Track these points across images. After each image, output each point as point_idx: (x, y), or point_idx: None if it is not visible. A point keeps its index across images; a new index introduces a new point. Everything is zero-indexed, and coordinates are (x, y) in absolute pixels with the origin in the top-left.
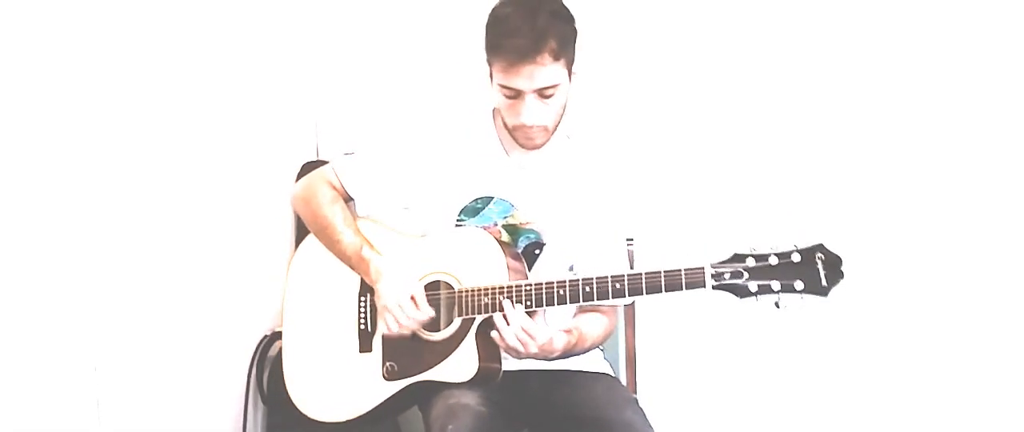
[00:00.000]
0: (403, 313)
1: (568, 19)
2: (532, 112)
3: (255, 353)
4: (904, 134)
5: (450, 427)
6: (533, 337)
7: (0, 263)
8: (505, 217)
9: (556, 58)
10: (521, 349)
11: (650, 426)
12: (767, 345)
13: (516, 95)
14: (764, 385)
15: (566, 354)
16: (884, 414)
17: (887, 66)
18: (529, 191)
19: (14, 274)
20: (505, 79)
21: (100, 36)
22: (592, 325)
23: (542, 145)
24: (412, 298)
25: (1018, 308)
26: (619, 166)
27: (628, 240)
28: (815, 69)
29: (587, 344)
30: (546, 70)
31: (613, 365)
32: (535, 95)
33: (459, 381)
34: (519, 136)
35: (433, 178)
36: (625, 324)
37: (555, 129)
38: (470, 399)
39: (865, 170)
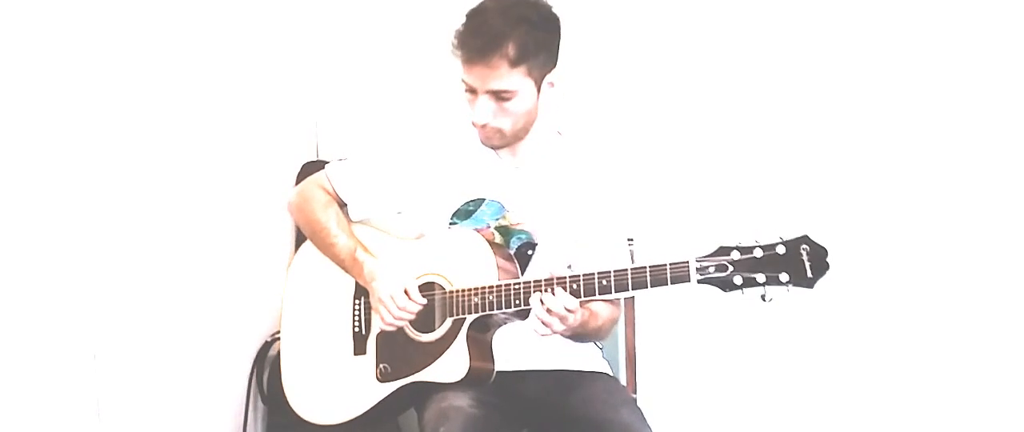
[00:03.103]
0: (394, 304)
1: (543, 27)
2: (482, 112)
3: (256, 354)
4: (895, 130)
5: (442, 429)
6: (573, 311)
7: (0, 263)
8: (497, 219)
9: (512, 65)
10: (558, 325)
11: (648, 427)
12: (767, 345)
13: (472, 91)
14: (764, 385)
15: (579, 332)
16: (883, 413)
17: (877, 63)
18: (520, 192)
19: (14, 274)
20: (463, 73)
21: (100, 36)
22: (598, 305)
23: (500, 146)
24: (405, 291)
25: (1010, 299)
26: (612, 163)
27: (628, 240)
28: (807, 65)
29: (598, 322)
30: (497, 74)
31: (613, 365)
32: (489, 96)
33: (450, 381)
34: (478, 133)
35: (425, 182)
36: (625, 324)
37: (518, 134)
38: (463, 401)
39: (857, 164)
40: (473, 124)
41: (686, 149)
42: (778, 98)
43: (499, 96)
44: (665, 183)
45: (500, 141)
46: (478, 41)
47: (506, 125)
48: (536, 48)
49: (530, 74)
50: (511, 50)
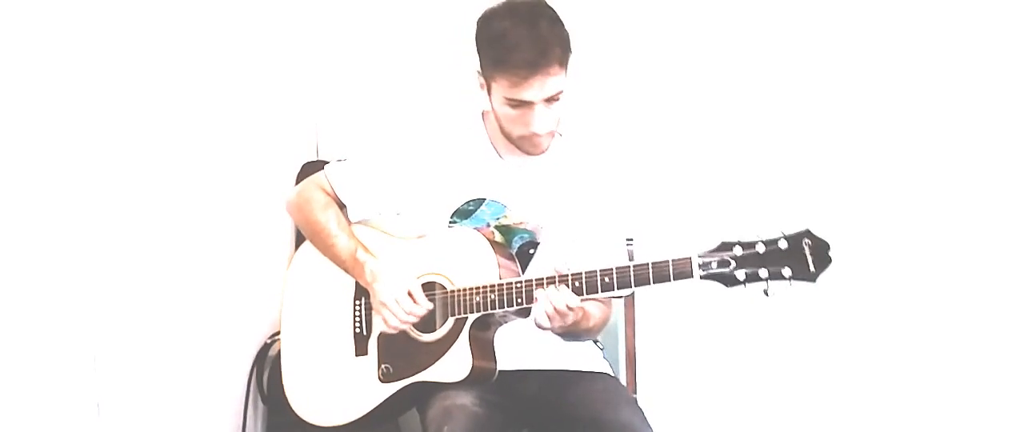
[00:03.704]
0: (400, 308)
1: (562, 24)
2: (542, 121)
3: (256, 354)
4: (896, 126)
5: (445, 428)
6: (574, 309)
7: (0, 263)
8: (498, 218)
9: (562, 65)
10: (558, 320)
11: (648, 426)
12: (767, 345)
13: (524, 105)
14: (764, 385)
15: (570, 330)
16: (883, 412)
17: (878, 63)
18: (521, 191)
19: (14, 274)
20: (513, 92)
21: (100, 36)
22: (591, 306)
23: (547, 149)
24: (409, 293)
25: (1010, 295)
26: (613, 162)
27: (628, 240)
28: (808, 63)
29: (590, 323)
30: (554, 79)
31: (613, 365)
32: (544, 104)
33: (453, 381)
34: (526, 144)
35: (424, 182)
36: (625, 324)
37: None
38: (466, 400)
39: (859, 160)
40: (527, 136)
41: (686, 148)
42: (778, 95)
43: (552, 100)
44: (666, 182)
45: (549, 144)
46: (531, 54)
47: (555, 126)
48: (569, 43)
49: (567, 70)
50: (559, 51)
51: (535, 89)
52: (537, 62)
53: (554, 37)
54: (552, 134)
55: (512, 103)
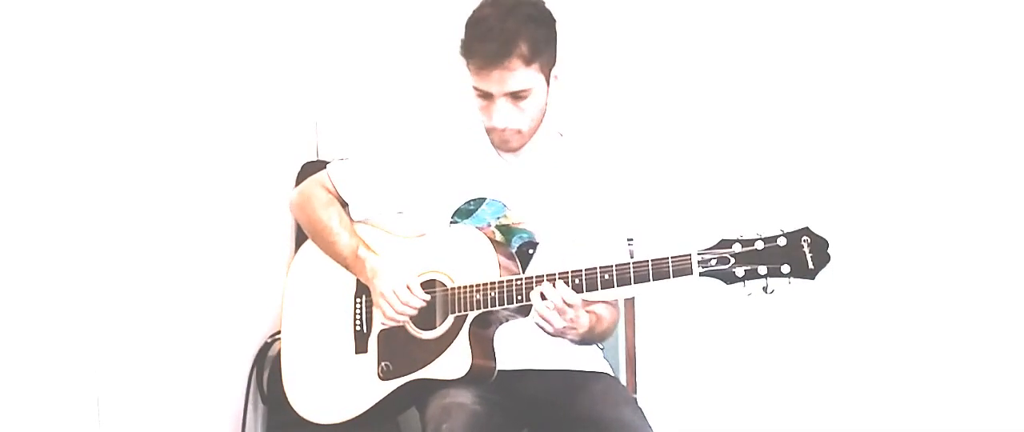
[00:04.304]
0: (398, 300)
1: (545, 23)
2: (503, 115)
3: (256, 354)
4: (894, 124)
5: (445, 426)
6: (573, 305)
7: (0, 263)
8: (498, 218)
9: (527, 63)
10: (558, 319)
11: (648, 426)
12: (767, 345)
13: (488, 97)
14: (764, 384)
15: (586, 336)
16: (883, 412)
17: (878, 63)
18: (521, 191)
19: (14, 274)
20: (477, 81)
21: (100, 36)
22: (601, 308)
23: (518, 148)
24: (407, 286)
25: (1009, 292)
26: (613, 162)
27: (628, 240)
28: (807, 63)
29: (603, 325)
30: (516, 75)
31: (613, 365)
32: (507, 98)
33: (452, 378)
34: (493, 138)
35: (425, 182)
36: (625, 324)
37: (533, 133)
38: (465, 398)
39: (856, 158)
40: (491, 129)
41: (685, 147)
42: (777, 94)
43: (516, 96)
44: (665, 182)
45: (519, 142)
46: (492, 45)
47: (524, 125)
48: (545, 44)
49: (541, 70)
50: (525, 49)
51: (494, 81)
52: (495, 56)
53: (523, 34)
54: (520, 133)
55: (477, 92)
